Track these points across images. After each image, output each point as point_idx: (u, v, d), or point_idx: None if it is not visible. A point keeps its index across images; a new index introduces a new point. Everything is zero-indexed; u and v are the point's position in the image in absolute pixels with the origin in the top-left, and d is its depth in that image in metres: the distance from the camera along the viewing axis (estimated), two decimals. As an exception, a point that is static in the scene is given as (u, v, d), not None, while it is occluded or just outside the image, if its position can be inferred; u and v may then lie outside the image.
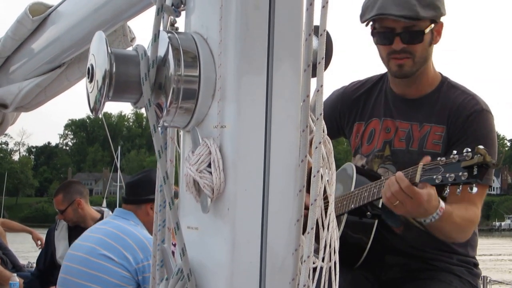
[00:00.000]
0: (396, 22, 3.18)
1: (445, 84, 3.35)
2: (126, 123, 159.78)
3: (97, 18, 2.40)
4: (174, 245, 1.49)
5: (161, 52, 1.47)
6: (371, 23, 3.28)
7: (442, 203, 2.92)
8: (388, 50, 3.24)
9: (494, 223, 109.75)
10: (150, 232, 4.59)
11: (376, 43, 3.27)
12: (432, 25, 3.21)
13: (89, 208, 6.80)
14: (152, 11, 1.66)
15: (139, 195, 4.56)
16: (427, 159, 2.90)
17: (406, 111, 3.36)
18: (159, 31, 1.47)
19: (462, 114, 3.22)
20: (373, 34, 3.28)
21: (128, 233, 4.38)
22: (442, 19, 3.28)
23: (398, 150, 3.32)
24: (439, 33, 3.28)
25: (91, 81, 1.52)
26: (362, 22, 3.28)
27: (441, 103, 3.29)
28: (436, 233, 3.12)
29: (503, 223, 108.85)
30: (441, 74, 3.40)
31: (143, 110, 1.56)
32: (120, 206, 4.87)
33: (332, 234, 1.54)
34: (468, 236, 3.23)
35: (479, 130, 3.19)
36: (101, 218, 6.67)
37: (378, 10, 3.18)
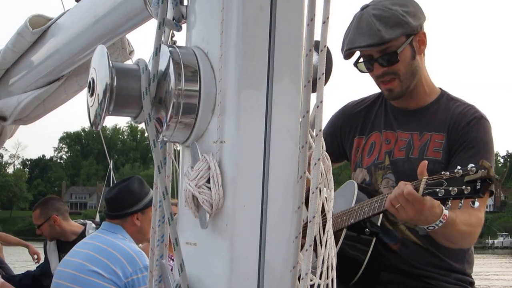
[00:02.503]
0: (372, 50, 3.25)
1: (445, 97, 3.40)
2: (120, 136, 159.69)
3: (96, 31, 2.40)
4: (172, 258, 1.48)
5: (162, 66, 1.47)
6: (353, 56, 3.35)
7: (445, 211, 2.93)
8: (373, 76, 3.33)
9: (487, 240, 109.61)
10: (139, 241, 4.58)
11: (361, 72, 3.35)
12: (409, 40, 3.25)
13: (68, 224, 6.84)
14: (151, 24, 1.66)
15: (122, 209, 4.52)
16: (424, 163, 2.93)
17: (406, 122, 3.39)
18: (160, 45, 1.46)
19: (462, 121, 3.26)
20: (354, 65, 3.35)
21: (116, 247, 4.35)
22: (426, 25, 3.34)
23: (398, 159, 3.34)
24: (422, 43, 3.31)
25: (91, 95, 1.51)
26: (344, 57, 3.34)
27: (441, 112, 3.34)
28: (441, 240, 3.15)
29: (496, 241, 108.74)
30: (440, 88, 3.44)
31: (138, 124, 1.55)
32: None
33: (330, 251, 1.54)
34: (473, 241, 3.26)
35: (480, 136, 3.22)
36: (84, 230, 6.73)
37: (347, 45, 3.28)
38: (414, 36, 3.27)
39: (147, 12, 1.77)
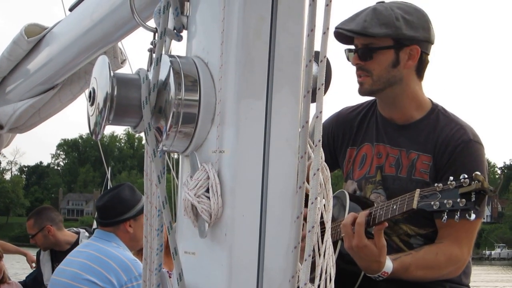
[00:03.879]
0: (357, 39, 3.23)
1: (435, 112, 3.33)
2: (117, 143, 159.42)
3: (88, 39, 2.42)
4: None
5: (162, 76, 1.47)
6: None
7: (388, 267, 3.01)
8: (354, 66, 3.30)
9: (484, 252, 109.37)
10: (133, 248, 4.56)
11: (347, 58, 3.32)
12: (395, 46, 3.20)
13: (62, 234, 6.86)
14: (141, 31, 1.66)
15: (114, 216, 4.47)
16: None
17: (395, 137, 3.35)
18: (161, 55, 1.46)
19: (449, 145, 3.20)
20: (345, 50, 3.32)
21: (110, 255, 4.32)
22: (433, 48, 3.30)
23: (389, 176, 3.31)
24: (412, 58, 3.23)
25: (92, 104, 1.52)
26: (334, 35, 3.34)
27: (428, 131, 3.27)
28: None
29: (493, 252, 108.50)
30: (431, 101, 3.37)
31: (137, 133, 1.56)
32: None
33: (328, 261, 1.54)
34: (443, 276, 3.23)
35: (468, 163, 3.14)
36: (77, 239, 6.74)
37: (337, 24, 3.26)
38: (406, 47, 3.21)
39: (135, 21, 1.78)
